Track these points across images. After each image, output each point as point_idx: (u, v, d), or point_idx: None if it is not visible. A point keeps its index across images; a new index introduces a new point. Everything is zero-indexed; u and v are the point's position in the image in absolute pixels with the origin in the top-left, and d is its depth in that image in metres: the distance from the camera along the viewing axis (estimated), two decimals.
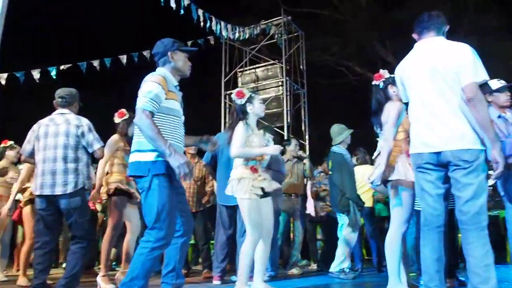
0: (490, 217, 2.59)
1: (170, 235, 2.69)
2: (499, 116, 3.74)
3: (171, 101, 2.80)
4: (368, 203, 5.87)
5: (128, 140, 4.41)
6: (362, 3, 15.46)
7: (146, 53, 8.36)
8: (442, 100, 2.57)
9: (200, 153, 5.61)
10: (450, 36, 2.75)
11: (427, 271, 2.58)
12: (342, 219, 5.10)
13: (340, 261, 4.91)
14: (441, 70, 2.58)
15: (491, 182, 4.36)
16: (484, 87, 3.57)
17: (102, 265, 4.32)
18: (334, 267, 4.92)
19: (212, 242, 5.81)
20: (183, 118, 2.95)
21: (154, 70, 2.91)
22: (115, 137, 4.50)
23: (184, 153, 3.18)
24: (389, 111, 3.29)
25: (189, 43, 9.03)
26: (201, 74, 12.58)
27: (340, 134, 5.14)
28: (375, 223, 6.03)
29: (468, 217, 2.47)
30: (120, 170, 4.43)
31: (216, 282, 4.57)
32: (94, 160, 3.94)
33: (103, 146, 3.77)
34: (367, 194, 5.84)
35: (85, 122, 3.70)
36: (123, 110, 4.62)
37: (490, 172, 2.58)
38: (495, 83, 3.81)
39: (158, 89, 2.70)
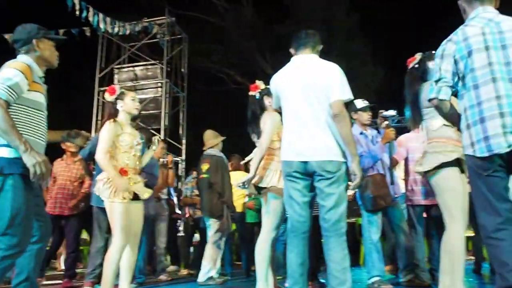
0: (347, 224, 2.80)
1: (25, 242, 2.41)
2: (361, 133, 4.10)
3: (36, 93, 2.52)
4: (239, 208, 6.00)
5: None
6: (246, 15, 15.94)
7: (8, 37, 7.48)
8: (312, 114, 2.73)
9: None
10: (324, 58, 2.93)
11: (292, 275, 2.70)
12: (210, 225, 4.97)
13: (208, 270, 4.79)
14: (313, 86, 2.74)
15: (349, 192, 4.78)
16: (350, 105, 3.93)
17: None
18: (202, 276, 4.78)
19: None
20: (46, 113, 2.67)
21: (15, 57, 2.59)
22: None
23: (48, 148, 2.86)
24: (265, 122, 3.41)
25: (61, 31, 8.34)
26: (73, 67, 11.70)
27: (213, 139, 5.15)
28: (245, 229, 6.17)
29: (329, 224, 2.64)
30: None
31: None
32: None
33: None
34: (239, 200, 5.97)
35: None
36: None
37: (349, 182, 2.80)
38: (360, 103, 4.18)
39: (19, 77, 2.41)
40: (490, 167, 2.11)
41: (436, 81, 2.32)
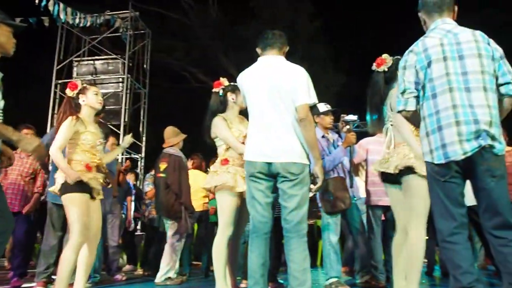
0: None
1: None
2: (323, 136, 4.17)
3: None
4: (201, 208, 5.97)
5: None
6: (212, 14, 15.85)
7: None
8: (277, 116, 2.74)
9: None
10: (288, 60, 2.95)
11: (253, 276, 2.70)
12: (169, 225, 4.87)
13: (166, 271, 4.70)
14: (279, 88, 2.75)
15: (310, 194, 4.84)
16: (313, 109, 3.98)
17: None
18: (159, 277, 4.69)
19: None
20: (2, 103, 2.54)
21: None
22: None
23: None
24: (217, 127, 3.40)
25: (18, 20, 7.98)
26: (30, 57, 11.25)
27: (174, 137, 5.07)
28: (207, 228, 6.13)
29: (291, 226, 2.67)
30: None
31: None
32: None
33: None
34: (200, 200, 5.94)
35: None
36: None
37: (311, 186, 2.84)
38: (322, 107, 4.25)
39: None
40: (447, 173, 2.19)
41: (402, 93, 2.38)
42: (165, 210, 4.86)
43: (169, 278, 4.70)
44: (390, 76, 3.10)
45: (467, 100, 2.16)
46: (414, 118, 2.43)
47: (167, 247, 4.80)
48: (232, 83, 3.52)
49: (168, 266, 4.71)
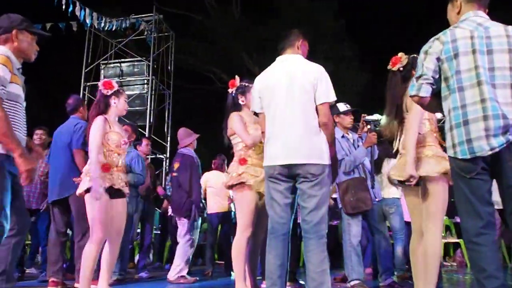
0: (331, 227, 2.83)
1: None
2: (343, 136, 4.15)
3: (14, 85, 2.48)
4: (224, 208, 6.01)
5: None
6: (234, 15, 15.93)
7: None
8: (296, 116, 2.71)
9: None
10: (311, 61, 2.89)
11: (270, 276, 2.69)
12: (180, 224, 4.95)
13: (179, 268, 4.75)
14: (297, 87, 2.72)
15: (334, 195, 4.81)
16: (332, 108, 3.96)
17: None
18: (172, 276, 4.74)
19: None
20: (24, 104, 2.64)
21: None
22: None
23: (28, 145, 2.81)
24: (233, 121, 3.39)
25: (48, 25, 8.24)
26: (59, 62, 11.57)
27: (187, 137, 5.15)
28: (230, 228, 6.17)
29: (310, 226, 2.65)
30: None
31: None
32: None
33: None
34: (225, 199, 6.00)
35: None
36: None
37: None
38: (342, 107, 4.22)
39: (4, 71, 2.37)
40: (473, 170, 2.11)
41: (418, 78, 2.32)
42: (176, 209, 4.99)
43: (183, 276, 4.75)
44: (406, 75, 3.02)
45: (494, 95, 2.09)
46: (427, 106, 2.38)
47: (179, 245, 4.89)
48: (242, 84, 3.52)
49: (180, 265, 4.78)
